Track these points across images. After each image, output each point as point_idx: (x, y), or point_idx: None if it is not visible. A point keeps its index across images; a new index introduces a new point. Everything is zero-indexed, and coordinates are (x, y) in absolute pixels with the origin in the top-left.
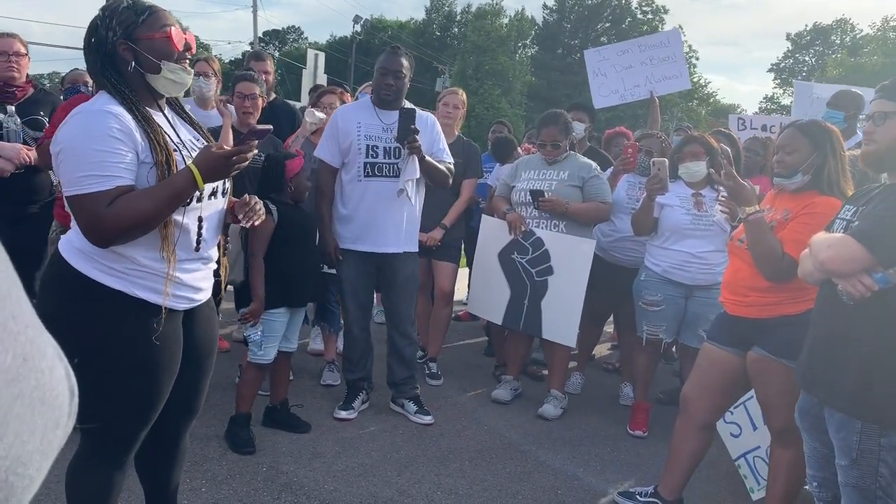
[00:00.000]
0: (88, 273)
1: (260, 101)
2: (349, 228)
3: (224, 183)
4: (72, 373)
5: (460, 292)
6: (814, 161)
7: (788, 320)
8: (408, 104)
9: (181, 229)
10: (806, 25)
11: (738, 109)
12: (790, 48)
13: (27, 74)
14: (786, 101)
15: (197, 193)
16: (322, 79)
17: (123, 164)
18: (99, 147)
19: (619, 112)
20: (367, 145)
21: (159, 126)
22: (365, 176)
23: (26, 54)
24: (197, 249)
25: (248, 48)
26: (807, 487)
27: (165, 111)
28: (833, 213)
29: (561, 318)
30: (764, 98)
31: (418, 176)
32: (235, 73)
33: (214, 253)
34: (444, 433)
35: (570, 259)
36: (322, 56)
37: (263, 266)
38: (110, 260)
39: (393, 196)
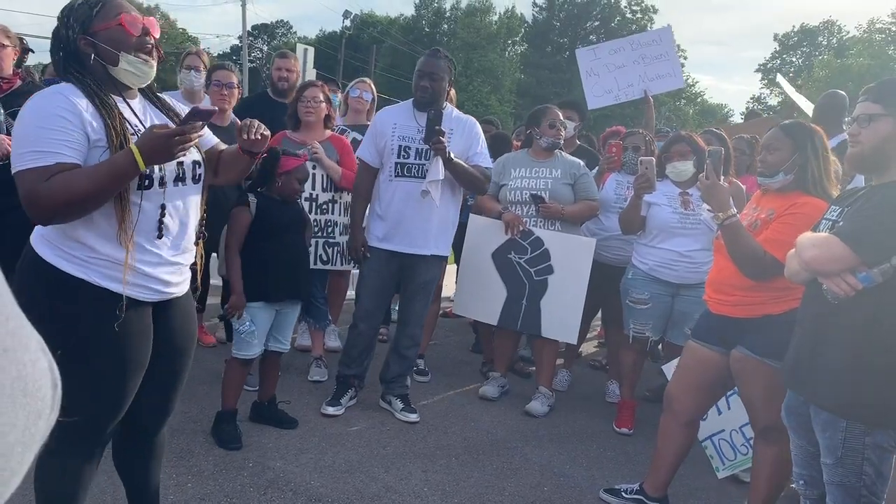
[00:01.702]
0: (51, 261)
1: (236, 91)
2: (380, 227)
3: (195, 169)
4: (55, 365)
5: (448, 289)
6: (796, 161)
7: (772, 320)
8: (449, 106)
9: (140, 216)
10: (793, 26)
11: (725, 109)
12: (777, 49)
13: (21, 67)
14: (773, 101)
15: (157, 178)
16: (311, 74)
17: (68, 142)
18: (43, 125)
19: (607, 111)
20: (400, 146)
21: (118, 112)
22: (396, 176)
23: (9, 46)
24: (159, 237)
25: (237, 42)
26: (794, 486)
27: (136, 100)
28: (816, 213)
29: (562, 315)
30: (751, 98)
31: (442, 178)
32: (213, 64)
33: (187, 245)
34: (432, 430)
35: (571, 258)
36: (311, 51)
37: (239, 260)
38: (71, 248)
39: (420, 197)
